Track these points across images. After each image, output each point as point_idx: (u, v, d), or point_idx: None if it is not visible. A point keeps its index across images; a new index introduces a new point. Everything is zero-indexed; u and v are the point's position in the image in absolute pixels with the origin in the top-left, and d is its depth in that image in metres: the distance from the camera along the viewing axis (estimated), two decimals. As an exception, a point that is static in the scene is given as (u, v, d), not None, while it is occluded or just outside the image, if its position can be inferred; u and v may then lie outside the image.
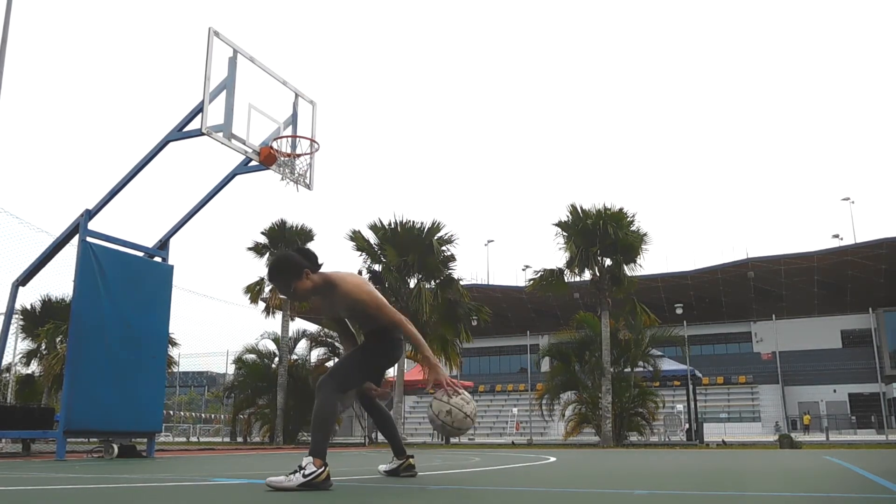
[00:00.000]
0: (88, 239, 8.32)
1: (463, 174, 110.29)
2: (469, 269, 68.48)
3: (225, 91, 8.36)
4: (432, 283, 21.64)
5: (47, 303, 22.08)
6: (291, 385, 22.36)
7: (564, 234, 19.64)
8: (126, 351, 8.44)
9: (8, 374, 21.50)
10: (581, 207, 19.59)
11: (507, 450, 14.18)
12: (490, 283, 47.39)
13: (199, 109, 8.20)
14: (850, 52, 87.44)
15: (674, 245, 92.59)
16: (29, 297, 22.17)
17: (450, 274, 21.86)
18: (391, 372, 21.46)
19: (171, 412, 35.10)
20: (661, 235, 77.57)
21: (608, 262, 19.54)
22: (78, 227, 8.37)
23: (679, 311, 37.57)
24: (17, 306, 10.32)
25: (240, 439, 24.42)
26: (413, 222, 21.49)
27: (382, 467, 4.50)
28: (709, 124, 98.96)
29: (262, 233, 22.84)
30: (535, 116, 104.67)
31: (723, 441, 20.18)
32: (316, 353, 24.65)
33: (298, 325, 27.49)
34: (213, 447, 17.48)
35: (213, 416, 39.54)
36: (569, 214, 19.66)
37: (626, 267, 19.48)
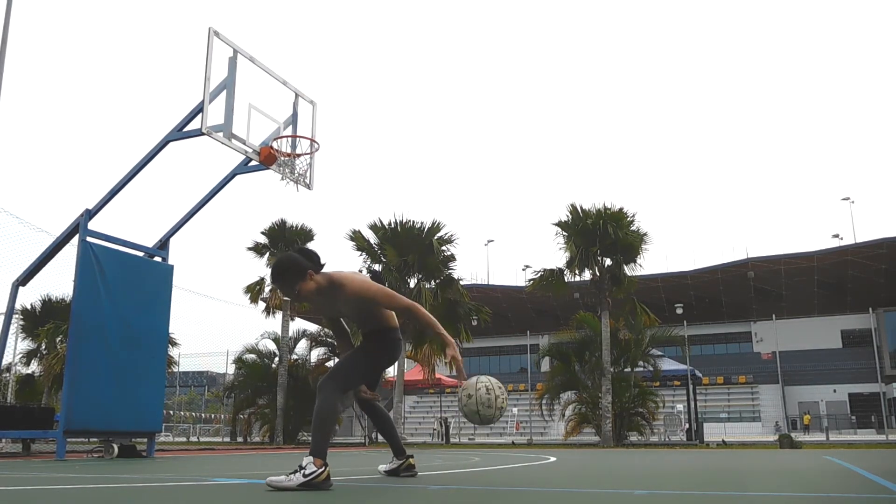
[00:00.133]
0: (88, 239, 8.32)
1: (463, 174, 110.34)
2: (469, 269, 68.46)
3: (225, 91, 8.37)
4: (432, 283, 21.64)
5: (47, 303, 22.09)
6: (291, 385, 22.36)
7: (564, 233, 19.64)
8: (126, 351, 8.44)
9: (8, 374, 21.51)
10: (581, 207, 19.60)
11: (507, 450, 14.18)
12: (490, 283, 47.39)
13: (199, 109, 8.20)
14: (850, 52, 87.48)
15: (674, 245, 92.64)
16: (29, 297, 22.21)
17: (450, 274, 21.86)
18: (391, 372, 21.48)
19: (171, 412, 35.11)
20: (661, 235, 77.59)
21: (608, 261, 19.54)
22: (78, 227, 8.37)
23: (679, 311, 37.57)
24: (17, 306, 10.32)
25: (240, 439, 24.42)
26: (413, 222, 21.49)
27: (382, 467, 4.51)
28: (709, 124, 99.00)
29: (262, 233, 22.86)
30: (534, 116, 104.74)
31: (723, 441, 20.18)
32: (316, 353, 24.66)
33: (298, 325, 27.55)
34: (213, 447, 17.49)
35: (213, 416, 39.54)
36: (569, 214, 19.67)
37: (626, 267, 19.48)
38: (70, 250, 8.80)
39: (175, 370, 29.62)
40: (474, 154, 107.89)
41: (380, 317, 3.89)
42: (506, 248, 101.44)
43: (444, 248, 21.60)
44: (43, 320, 21.58)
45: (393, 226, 21.43)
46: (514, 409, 38.68)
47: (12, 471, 5.24)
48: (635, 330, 20.09)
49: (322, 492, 3.28)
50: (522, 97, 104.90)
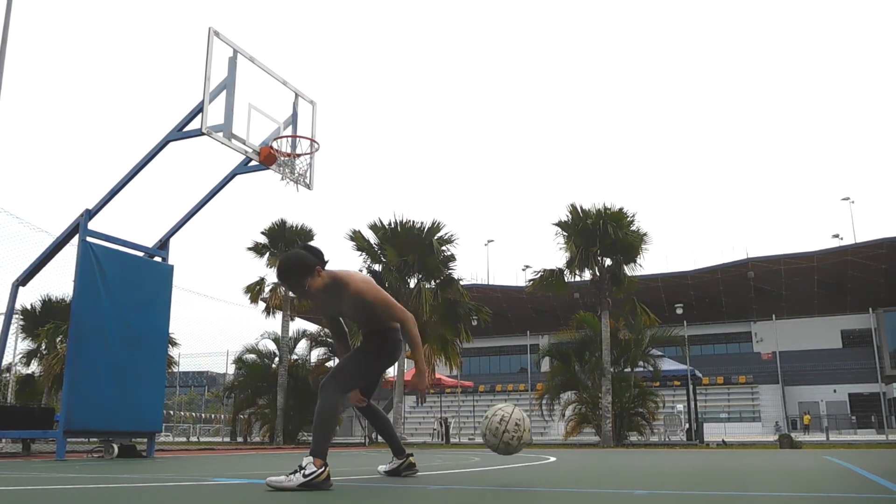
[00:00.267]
0: (88, 239, 8.32)
1: (463, 174, 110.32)
2: (469, 269, 68.44)
3: (225, 91, 8.37)
4: (432, 283, 21.63)
5: (47, 303, 22.09)
6: (291, 385, 22.37)
7: (564, 234, 19.64)
8: (126, 351, 8.44)
9: (8, 374, 21.51)
10: (581, 207, 19.59)
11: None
12: (490, 283, 47.39)
13: (199, 109, 8.20)
14: (850, 52, 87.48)
15: (674, 245, 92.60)
16: (29, 297, 22.22)
17: (450, 274, 21.86)
18: (391, 372, 21.48)
19: (171, 412, 35.12)
20: (661, 235, 77.58)
21: (608, 262, 19.53)
22: (78, 227, 8.37)
23: (679, 311, 37.56)
24: (17, 306, 10.32)
25: (240, 439, 24.43)
26: (413, 222, 21.49)
27: (382, 468, 4.51)
28: (709, 124, 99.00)
29: (262, 233, 22.86)
30: (534, 116, 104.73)
31: (723, 441, 20.18)
32: (316, 353, 24.67)
33: (298, 325, 27.55)
34: (213, 447, 17.49)
35: (213, 416, 39.55)
36: (569, 214, 19.66)
37: (626, 267, 19.47)
38: (70, 250, 8.81)
39: (175, 370, 29.63)
40: (474, 154, 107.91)
41: (380, 317, 3.89)
42: (506, 248, 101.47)
43: (444, 248, 21.59)
44: (43, 320, 21.58)
45: (393, 226, 21.42)
46: (514, 410, 38.63)
47: (12, 471, 5.24)
48: (635, 330, 20.08)
49: (322, 492, 3.29)
50: (522, 97, 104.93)
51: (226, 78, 8.39)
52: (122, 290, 8.52)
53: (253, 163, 9.03)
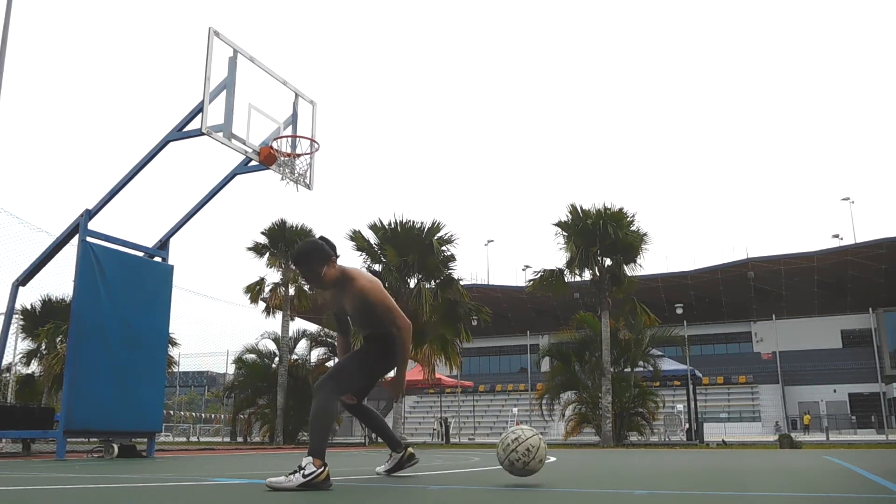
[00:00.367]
0: (88, 239, 8.32)
1: (463, 174, 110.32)
2: (469, 269, 68.42)
3: (225, 91, 8.37)
4: (432, 283, 21.61)
5: (47, 303, 22.08)
6: (291, 385, 22.37)
7: (564, 234, 19.64)
8: (126, 351, 8.44)
9: (8, 374, 21.50)
10: (581, 207, 19.59)
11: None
12: (490, 283, 47.38)
13: (199, 109, 8.20)
14: (850, 52, 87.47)
15: (674, 245, 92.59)
16: (29, 297, 22.21)
17: (450, 274, 21.84)
18: (391, 372, 21.45)
19: (171, 412, 35.12)
20: (661, 235, 77.57)
21: (608, 262, 19.53)
22: (78, 227, 8.37)
23: (679, 311, 37.56)
24: (17, 306, 10.32)
25: (240, 439, 24.42)
26: (413, 222, 21.47)
27: (380, 468, 4.49)
28: (709, 124, 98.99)
29: (262, 233, 22.85)
30: (534, 116, 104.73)
31: (723, 441, 20.18)
32: (316, 353, 24.68)
33: (298, 325, 27.50)
34: (213, 447, 17.48)
35: (213, 416, 39.55)
36: (569, 214, 19.66)
37: (626, 267, 19.47)
38: (70, 250, 8.81)
39: (175, 370, 29.63)
40: (474, 154, 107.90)
41: (379, 320, 3.89)
42: (506, 248, 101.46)
43: (444, 248, 21.57)
44: (43, 320, 21.57)
45: (393, 226, 21.41)
46: (515, 410, 38.67)
47: (12, 471, 5.24)
48: (635, 330, 20.08)
49: (322, 492, 3.28)
50: (522, 97, 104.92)
51: (226, 78, 8.39)
52: (122, 290, 8.52)
53: (253, 163, 9.02)
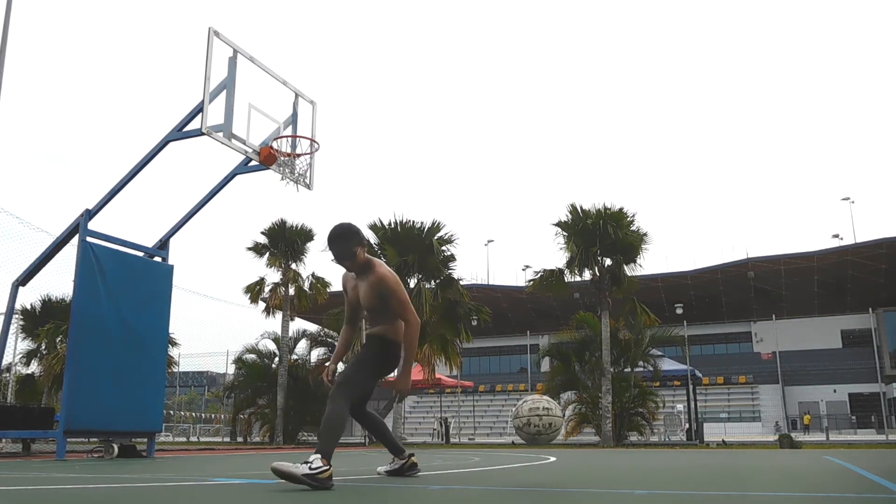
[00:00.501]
0: (88, 239, 8.32)
1: (463, 174, 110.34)
2: (469, 269, 68.46)
3: (225, 91, 8.36)
4: (432, 283, 21.62)
5: (47, 303, 22.07)
6: (291, 385, 22.37)
7: (564, 234, 19.63)
8: (126, 351, 8.44)
9: (8, 374, 21.50)
10: (581, 207, 19.58)
11: (507, 450, 14.17)
12: (490, 283, 47.37)
13: (199, 109, 8.20)
14: (850, 52, 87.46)
15: (674, 245, 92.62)
16: (29, 297, 22.20)
17: (450, 274, 21.84)
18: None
19: (171, 412, 35.10)
20: (661, 235, 77.57)
21: (608, 262, 19.52)
22: (78, 227, 8.37)
23: (679, 311, 37.55)
24: (17, 306, 10.32)
25: (240, 439, 24.42)
26: (413, 222, 21.48)
27: (381, 468, 4.50)
28: (709, 124, 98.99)
29: (262, 233, 22.85)
30: (534, 116, 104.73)
31: (723, 441, 20.17)
32: (316, 353, 24.67)
33: (298, 325, 27.51)
34: (213, 447, 17.48)
35: (213, 416, 39.55)
36: (569, 214, 19.65)
37: (626, 267, 19.46)
38: (70, 250, 8.80)
39: (175, 370, 29.60)
40: (474, 154, 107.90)
41: (390, 321, 4.00)
42: (506, 248, 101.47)
43: (444, 248, 21.58)
44: (43, 320, 21.56)
45: (393, 226, 21.41)
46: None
47: (12, 471, 5.24)
48: (635, 330, 20.07)
49: (322, 492, 3.29)
50: (522, 97, 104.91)
51: (226, 78, 8.39)
52: (122, 290, 8.52)
53: (253, 163, 9.02)
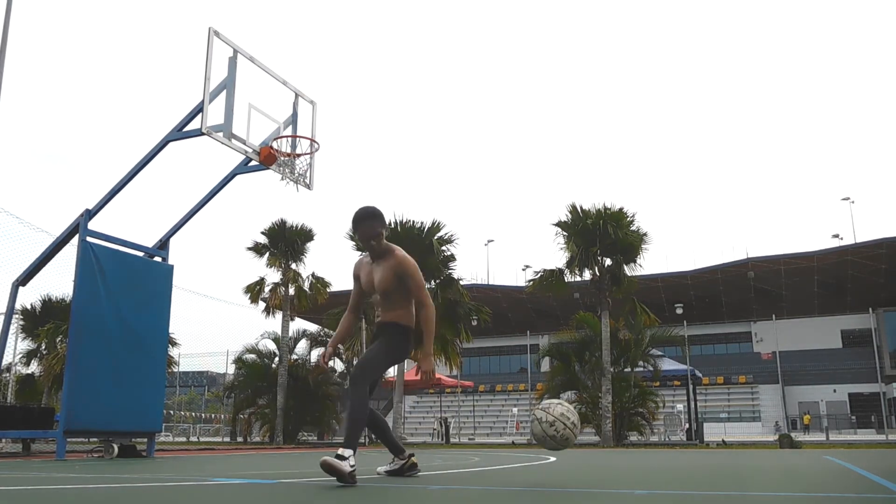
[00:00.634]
0: (88, 239, 8.31)
1: (463, 174, 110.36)
2: (469, 269, 68.48)
3: (225, 91, 8.36)
4: (432, 283, 21.62)
5: (47, 303, 22.08)
6: (291, 385, 22.36)
7: (564, 234, 19.63)
8: (126, 351, 8.44)
9: (8, 374, 21.49)
10: (581, 207, 19.58)
11: (507, 450, 14.17)
12: (490, 283, 47.36)
13: (199, 109, 8.20)
14: (850, 52, 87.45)
15: (674, 245, 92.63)
16: (29, 297, 22.21)
17: (450, 274, 21.85)
18: (391, 372, 21.46)
19: (171, 412, 35.10)
20: (661, 235, 77.62)
21: (608, 261, 19.52)
22: (78, 227, 8.36)
23: (679, 311, 37.56)
24: (17, 306, 10.31)
25: (240, 439, 24.43)
26: (413, 222, 21.49)
27: (381, 468, 4.50)
28: (709, 124, 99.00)
29: (262, 233, 22.85)
30: (534, 116, 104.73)
31: (723, 441, 20.17)
32: (316, 353, 24.66)
33: (298, 325, 27.53)
34: (213, 447, 17.48)
35: (213, 416, 39.55)
36: (569, 214, 19.66)
37: (626, 267, 19.47)
38: (70, 250, 8.80)
39: (175, 370, 29.60)
40: (474, 154, 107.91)
41: (404, 307, 4.09)
42: (506, 248, 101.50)
43: (444, 248, 21.58)
44: (43, 320, 21.57)
45: (393, 226, 21.41)
46: (515, 410, 38.69)
47: (12, 471, 5.24)
48: (635, 330, 20.07)
49: (322, 491, 3.29)
50: (522, 97, 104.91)
51: (226, 78, 8.39)
52: (122, 290, 8.51)
53: (253, 163, 9.02)
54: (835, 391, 41.40)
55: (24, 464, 6.73)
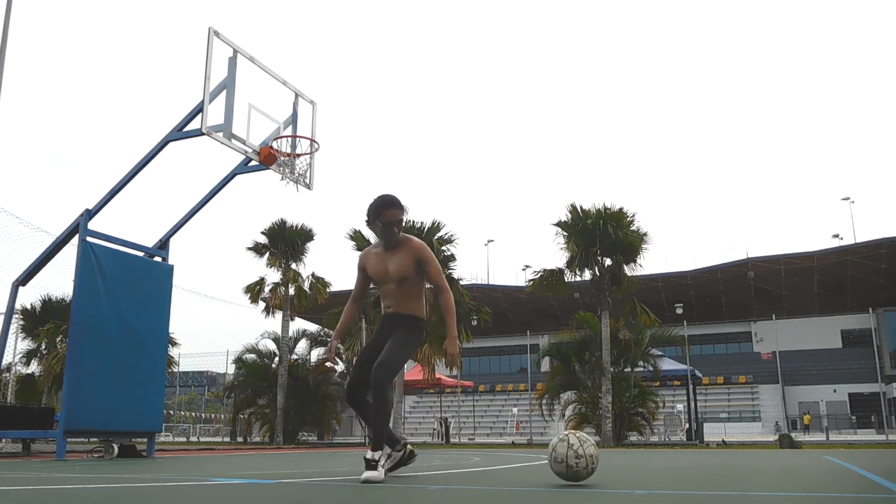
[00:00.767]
0: (88, 239, 8.31)
1: (463, 174, 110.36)
2: (469, 269, 68.57)
3: (225, 91, 8.35)
4: (432, 283, 21.64)
5: (47, 303, 22.07)
6: (291, 385, 22.36)
7: (564, 234, 19.63)
8: (126, 351, 8.43)
9: (8, 374, 21.49)
10: (581, 207, 19.59)
11: (507, 450, 14.17)
12: (490, 283, 47.39)
13: (199, 109, 8.19)
14: (850, 52, 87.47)
15: (674, 245, 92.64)
16: (29, 297, 22.19)
17: (450, 274, 21.86)
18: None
19: (171, 412, 35.10)
20: (661, 235, 77.64)
21: (608, 261, 19.52)
22: (78, 227, 8.35)
23: (679, 311, 37.56)
24: (17, 306, 10.31)
25: (240, 439, 24.43)
26: (413, 222, 21.49)
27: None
28: (709, 124, 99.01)
29: (262, 233, 22.87)
30: (534, 116, 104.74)
31: (723, 441, 20.18)
32: (316, 353, 24.68)
33: (298, 324, 27.55)
34: (213, 447, 17.48)
35: (213, 416, 39.54)
36: (569, 214, 19.66)
37: (626, 267, 19.47)
38: (70, 250, 8.79)
39: (175, 370, 29.59)
40: (474, 154, 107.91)
41: (416, 297, 4.17)
42: (506, 248, 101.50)
43: (444, 248, 21.59)
44: (43, 320, 21.56)
45: (393, 226, 21.41)
46: (515, 410, 38.70)
47: (12, 471, 5.24)
48: (635, 330, 20.07)
49: (322, 491, 3.28)
50: (522, 97, 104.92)
51: (226, 78, 8.38)
52: (122, 290, 8.51)
53: (253, 163, 9.01)
54: (835, 391, 41.40)
55: (24, 464, 6.73)
